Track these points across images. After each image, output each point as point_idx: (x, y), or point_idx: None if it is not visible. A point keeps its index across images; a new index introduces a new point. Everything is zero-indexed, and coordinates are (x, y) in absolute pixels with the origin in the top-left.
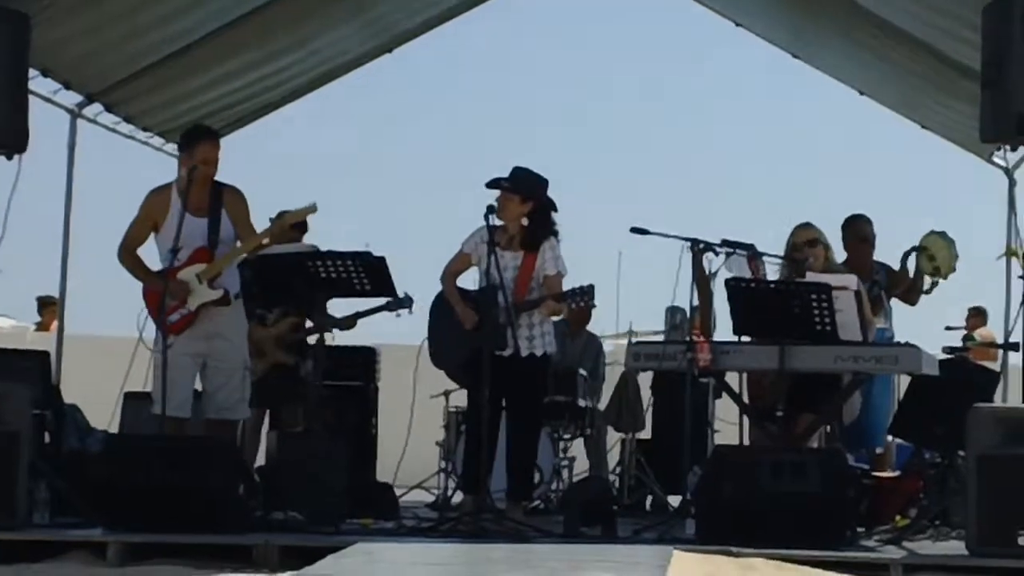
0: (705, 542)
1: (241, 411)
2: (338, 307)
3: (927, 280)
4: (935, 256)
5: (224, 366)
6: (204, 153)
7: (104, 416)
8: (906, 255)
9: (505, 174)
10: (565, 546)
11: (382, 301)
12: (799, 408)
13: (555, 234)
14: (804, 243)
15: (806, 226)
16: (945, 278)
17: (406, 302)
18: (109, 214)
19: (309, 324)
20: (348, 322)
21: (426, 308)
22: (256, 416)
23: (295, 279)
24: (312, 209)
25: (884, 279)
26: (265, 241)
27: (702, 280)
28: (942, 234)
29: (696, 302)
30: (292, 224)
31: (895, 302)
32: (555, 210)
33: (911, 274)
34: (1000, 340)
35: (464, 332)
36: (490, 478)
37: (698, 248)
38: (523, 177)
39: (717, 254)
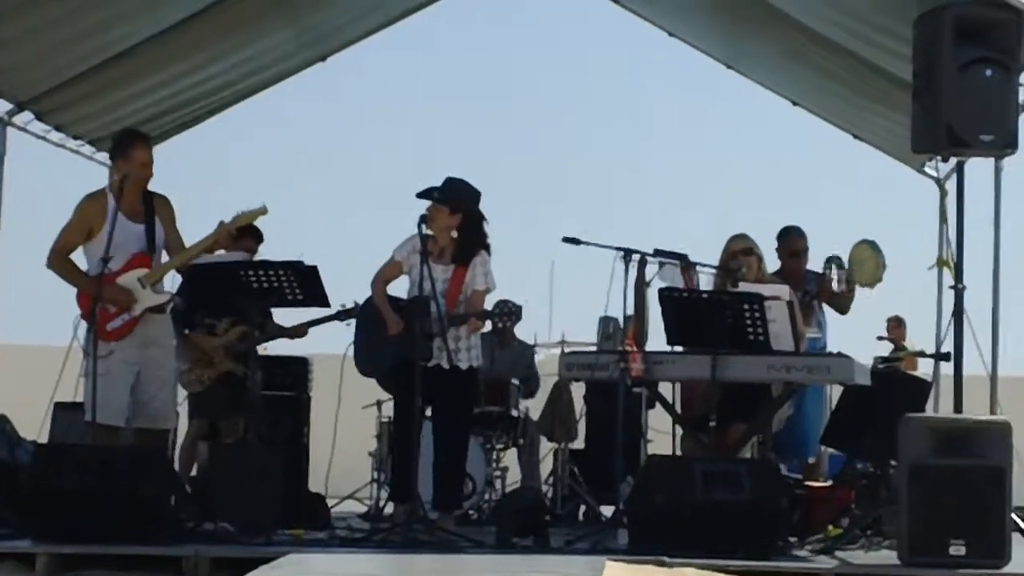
0: (638, 552)
1: (172, 420)
2: (288, 317)
3: (837, 283)
4: (863, 265)
5: (159, 374)
6: (142, 156)
7: (33, 426)
8: (828, 262)
9: (437, 182)
10: (497, 556)
11: (332, 310)
12: (732, 418)
13: (487, 248)
14: (739, 252)
15: (741, 236)
16: (872, 287)
17: (355, 311)
18: (39, 223)
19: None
20: (299, 330)
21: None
22: (198, 426)
23: (228, 288)
24: (262, 211)
25: (816, 288)
26: (210, 244)
27: (640, 290)
28: (871, 243)
29: (631, 311)
30: (241, 229)
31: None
32: (485, 223)
33: (835, 283)
34: (920, 349)
35: (389, 340)
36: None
37: (640, 258)
38: (454, 188)
39: (648, 264)
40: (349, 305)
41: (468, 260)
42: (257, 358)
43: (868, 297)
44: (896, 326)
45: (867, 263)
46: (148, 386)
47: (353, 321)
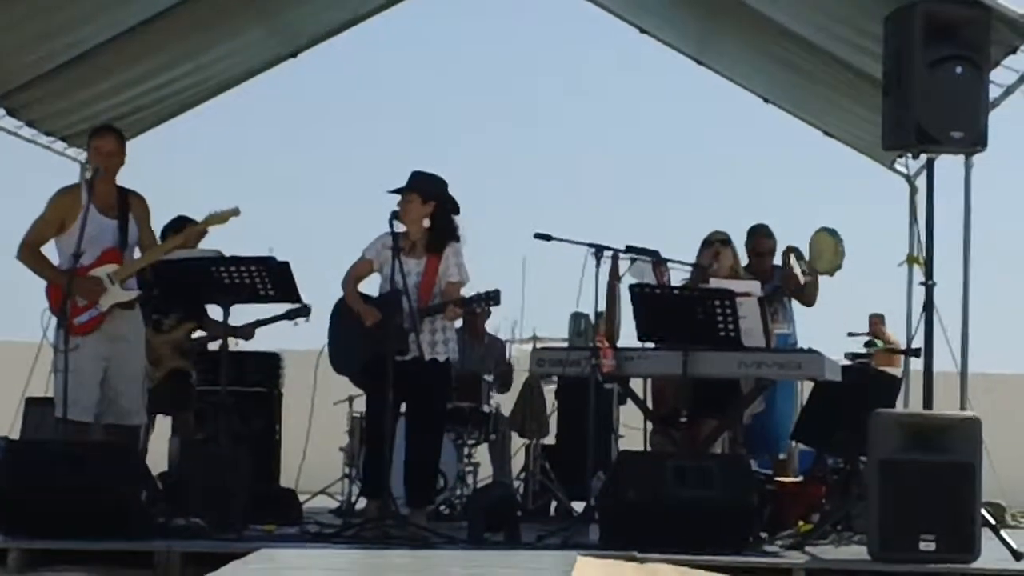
0: (609, 547)
1: (142, 416)
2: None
3: (802, 275)
4: (822, 253)
5: (128, 370)
6: (99, 144)
7: (4, 422)
8: (786, 254)
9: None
10: (469, 552)
11: (281, 310)
12: (702, 414)
13: (457, 238)
14: (716, 240)
15: (720, 232)
16: (831, 275)
17: (303, 311)
18: (10, 218)
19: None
20: (247, 331)
21: (325, 314)
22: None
23: (199, 285)
24: (234, 212)
25: (781, 282)
26: (180, 243)
27: (612, 286)
28: (831, 230)
29: (602, 307)
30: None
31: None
32: (457, 210)
33: (799, 275)
34: (891, 345)
35: (363, 337)
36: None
37: (612, 255)
38: (421, 179)
39: (620, 261)
40: (296, 305)
41: (441, 249)
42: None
43: (836, 290)
44: (878, 321)
45: (826, 251)
46: (116, 382)
47: (301, 320)
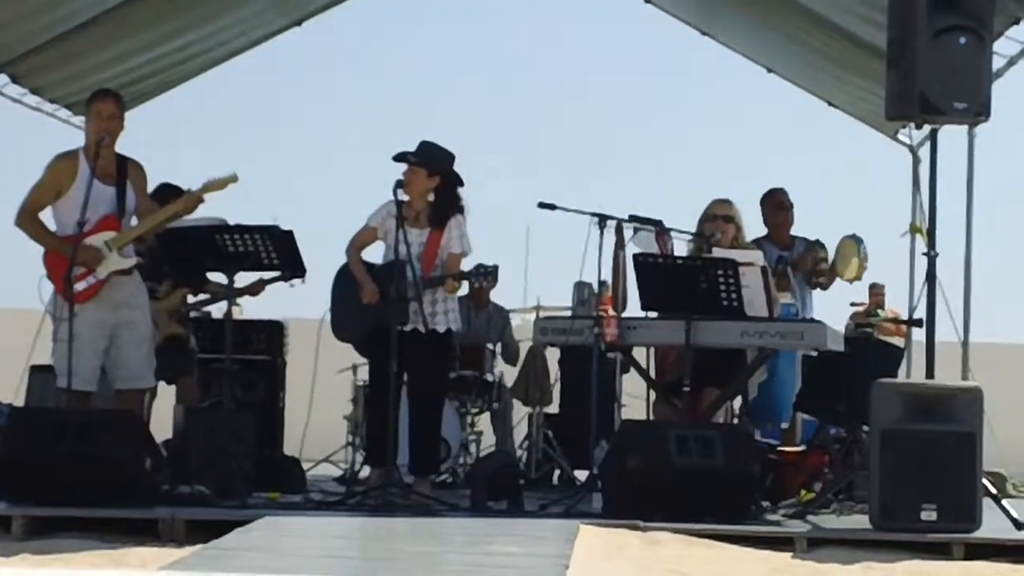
0: (611, 516)
1: (150, 379)
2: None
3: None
4: (846, 260)
5: (135, 334)
6: (100, 108)
7: (9, 390)
8: (811, 245)
9: (413, 147)
10: (471, 520)
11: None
12: (705, 383)
13: (461, 210)
14: (719, 216)
15: (725, 201)
16: (851, 283)
17: (299, 272)
18: (15, 185)
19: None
20: (254, 288)
21: (324, 281)
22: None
23: (202, 252)
24: (232, 179)
25: (792, 259)
26: (179, 210)
27: (618, 256)
28: (858, 240)
29: (605, 277)
30: (168, 192)
31: None
32: (461, 185)
33: (814, 262)
34: (894, 315)
35: (366, 306)
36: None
37: (616, 224)
38: (430, 151)
39: (623, 230)
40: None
41: (444, 223)
42: (191, 320)
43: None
44: (877, 292)
45: (851, 259)
46: (123, 347)
47: (298, 282)
